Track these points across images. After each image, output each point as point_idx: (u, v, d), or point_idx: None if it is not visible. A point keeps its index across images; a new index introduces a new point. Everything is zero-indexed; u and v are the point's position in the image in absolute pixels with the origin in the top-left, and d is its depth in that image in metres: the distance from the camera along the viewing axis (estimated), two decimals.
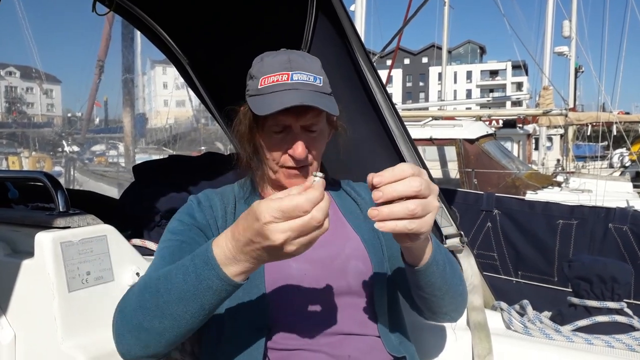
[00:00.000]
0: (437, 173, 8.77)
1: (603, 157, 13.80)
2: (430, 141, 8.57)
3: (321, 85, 1.10)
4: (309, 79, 1.08)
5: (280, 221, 0.77)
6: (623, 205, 3.36)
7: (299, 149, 1.08)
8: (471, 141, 8.51)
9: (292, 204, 0.77)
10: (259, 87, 1.08)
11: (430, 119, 9.71)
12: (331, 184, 1.29)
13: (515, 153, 12.39)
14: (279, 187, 1.18)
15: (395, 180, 0.83)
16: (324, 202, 0.79)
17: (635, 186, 8.50)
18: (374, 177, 0.83)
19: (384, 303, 1.14)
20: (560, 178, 8.77)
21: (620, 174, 10.41)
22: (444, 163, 8.96)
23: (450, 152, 8.77)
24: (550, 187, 8.18)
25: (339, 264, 1.12)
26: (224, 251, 0.85)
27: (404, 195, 0.82)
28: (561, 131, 12.24)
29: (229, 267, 0.85)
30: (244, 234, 0.82)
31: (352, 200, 1.27)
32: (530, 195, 6.68)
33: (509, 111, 13.96)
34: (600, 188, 6.97)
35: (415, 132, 8.27)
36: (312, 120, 1.10)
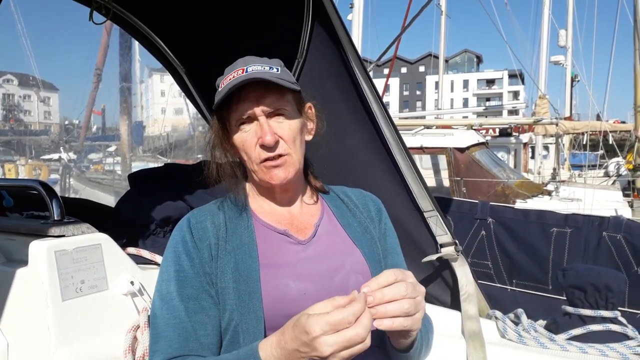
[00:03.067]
0: (430, 181, 8.77)
1: (599, 166, 13.84)
2: (421, 150, 8.59)
3: (278, 73, 1.10)
4: (264, 68, 1.09)
5: (329, 334, 0.83)
6: (612, 214, 3.37)
7: (266, 134, 1.07)
8: (462, 150, 8.54)
9: (339, 317, 0.83)
10: (219, 89, 1.10)
11: (422, 127, 9.74)
12: (326, 193, 1.28)
13: (511, 162, 12.41)
14: (267, 191, 1.17)
15: (382, 287, 0.89)
16: (366, 318, 0.85)
17: (625, 195, 8.54)
18: (362, 288, 0.89)
19: None
20: (550, 187, 8.80)
21: (612, 183, 10.45)
22: (437, 171, 8.98)
23: (443, 160, 8.80)
24: (540, 195, 8.21)
25: (339, 280, 1.10)
26: (269, 358, 0.91)
27: (394, 299, 0.88)
28: (558, 140, 12.30)
29: None
30: (290, 344, 0.87)
31: (348, 210, 1.25)
32: (519, 204, 6.70)
33: (501, 120, 14.00)
34: (590, 197, 7.02)
35: (407, 141, 8.24)
36: (274, 104, 1.08)
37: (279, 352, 0.89)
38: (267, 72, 1.07)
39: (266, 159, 1.09)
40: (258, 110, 1.08)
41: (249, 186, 1.21)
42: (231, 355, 0.98)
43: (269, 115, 1.09)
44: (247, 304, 1.03)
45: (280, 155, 1.09)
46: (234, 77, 1.07)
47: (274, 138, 1.08)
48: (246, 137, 1.09)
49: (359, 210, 1.25)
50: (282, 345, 0.89)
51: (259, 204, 1.18)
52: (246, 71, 1.07)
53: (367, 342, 0.85)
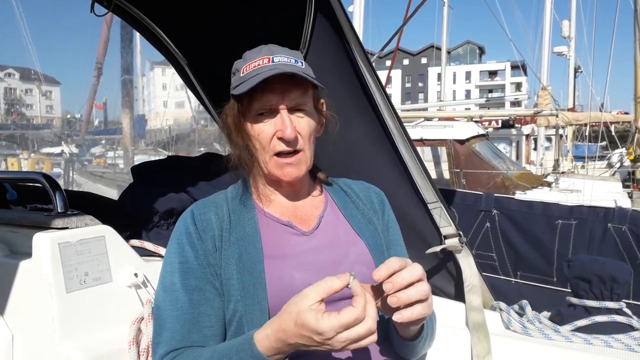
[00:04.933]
0: (430, 174, 8.76)
1: (602, 157, 13.80)
2: (421, 142, 8.58)
3: (303, 67, 1.10)
4: (290, 60, 1.09)
5: (342, 332, 0.84)
6: (611, 205, 3.36)
7: (287, 128, 1.06)
8: (461, 142, 8.54)
9: (352, 318, 0.84)
10: (242, 75, 1.08)
11: (422, 119, 9.73)
12: (330, 185, 1.28)
13: (513, 153, 12.39)
14: (273, 182, 1.16)
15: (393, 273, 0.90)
16: (372, 310, 0.86)
17: (625, 186, 8.54)
18: (373, 276, 0.90)
19: None
20: (550, 178, 8.81)
21: (613, 174, 10.43)
22: (437, 163, 8.99)
23: (443, 152, 8.81)
24: (540, 187, 8.21)
25: (343, 270, 1.09)
26: (269, 350, 0.91)
27: (412, 282, 0.89)
28: (557, 131, 12.26)
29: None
30: (296, 339, 0.88)
31: (351, 202, 1.25)
32: (519, 196, 6.71)
33: (501, 112, 13.98)
34: (588, 188, 7.02)
35: None
36: (297, 100, 1.08)
37: (280, 345, 0.90)
38: (296, 66, 1.07)
39: (280, 152, 1.09)
40: (282, 103, 1.07)
41: (253, 177, 1.20)
42: (226, 344, 0.98)
43: (291, 110, 1.09)
44: (251, 294, 1.03)
45: (295, 152, 1.10)
46: (258, 65, 1.07)
47: (295, 133, 1.08)
48: (263, 128, 1.09)
49: (362, 202, 1.25)
50: (284, 340, 0.89)
51: (263, 195, 1.18)
52: (272, 61, 1.07)
53: (375, 337, 0.86)
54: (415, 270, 0.90)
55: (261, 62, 1.07)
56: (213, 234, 1.09)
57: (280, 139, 1.08)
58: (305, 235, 1.13)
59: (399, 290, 0.88)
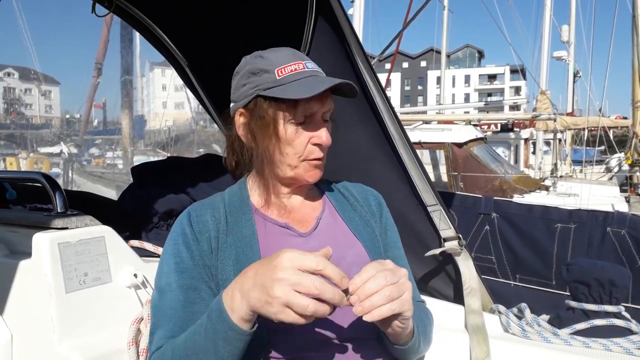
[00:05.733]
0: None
1: (600, 162, 13.82)
2: (419, 145, 8.60)
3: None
4: (318, 68, 1.13)
5: (300, 275, 0.84)
6: (608, 209, 3.37)
7: (325, 135, 1.10)
8: (460, 145, 8.55)
9: (313, 260, 0.86)
10: (278, 77, 1.07)
11: (421, 122, 9.73)
12: (328, 187, 1.28)
13: (512, 157, 12.40)
14: (284, 185, 1.17)
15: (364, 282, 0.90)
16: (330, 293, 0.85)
17: (622, 191, 8.56)
18: (349, 285, 0.90)
19: None
20: (548, 182, 8.83)
21: (610, 179, 10.45)
22: (435, 166, 9.00)
23: (441, 155, 8.82)
24: (537, 191, 8.23)
25: None
26: (229, 302, 0.91)
27: (377, 290, 0.89)
28: (555, 135, 12.29)
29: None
30: (249, 283, 0.88)
31: (348, 204, 1.26)
32: (517, 199, 6.72)
33: (499, 115, 14.00)
34: (586, 192, 7.04)
35: None
36: (330, 107, 1.12)
37: (238, 295, 0.89)
38: (339, 79, 1.09)
39: (314, 159, 1.12)
40: (320, 111, 1.10)
41: (251, 179, 1.21)
42: (198, 324, 0.97)
43: (323, 115, 1.12)
44: None
45: (321, 158, 1.13)
46: (295, 70, 1.08)
47: (330, 140, 1.12)
48: (300, 133, 1.10)
49: (359, 204, 1.26)
50: (241, 286, 0.89)
51: (260, 197, 1.18)
52: (306, 67, 1.09)
53: (329, 308, 0.85)
54: (378, 280, 0.90)
55: (297, 66, 1.09)
56: (209, 235, 1.10)
57: (317, 145, 1.11)
58: (302, 237, 1.14)
59: (365, 300, 0.89)
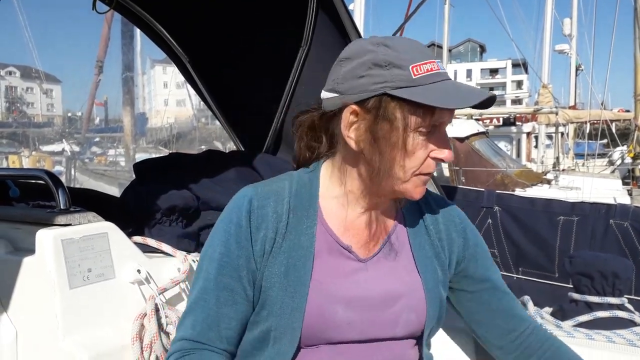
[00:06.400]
0: None
1: (603, 155, 13.80)
2: None
3: None
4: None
5: None
6: (611, 202, 3.36)
7: (449, 151, 0.97)
8: (461, 139, 8.54)
9: None
10: (414, 76, 0.92)
11: None
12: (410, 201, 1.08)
13: (514, 151, 12.39)
14: (386, 197, 1.03)
15: None
16: None
17: (625, 184, 8.56)
18: None
19: (422, 343, 1.08)
20: (550, 176, 8.82)
21: (612, 172, 10.44)
22: None
23: None
24: (539, 184, 8.22)
25: (391, 314, 1.01)
26: None
27: None
28: (559, 129, 12.27)
29: None
30: None
31: (423, 226, 1.10)
32: (518, 193, 6.72)
33: (501, 109, 13.99)
34: (588, 185, 7.03)
35: None
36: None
37: None
38: (488, 92, 0.97)
39: (427, 174, 0.98)
40: (447, 121, 0.97)
41: (328, 174, 1.06)
42: None
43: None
44: (287, 316, 0.97)
45: None
46: (432, 70, 0.93)
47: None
48: (422, 145, 0.95)
49: (436, 228, 1.11)
50: None
51: (331, 203, 1.04)
52: (441, 68, 0.95)
53: None
54: None
55: (432, 66, 0.93)
56: (265, 235, 0.99)
57: (436, 159, 0.97)
58: (360, 262, 1.02)
59: None
